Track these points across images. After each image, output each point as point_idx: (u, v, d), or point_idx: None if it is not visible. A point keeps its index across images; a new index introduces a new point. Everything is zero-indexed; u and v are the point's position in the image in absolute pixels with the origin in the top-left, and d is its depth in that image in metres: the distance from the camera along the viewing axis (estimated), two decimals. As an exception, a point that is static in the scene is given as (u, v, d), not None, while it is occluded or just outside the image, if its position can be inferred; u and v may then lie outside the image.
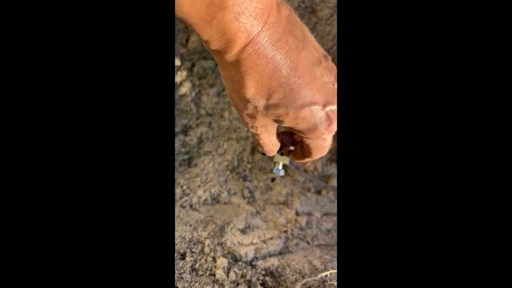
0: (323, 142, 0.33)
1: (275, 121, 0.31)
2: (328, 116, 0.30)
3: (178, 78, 0.50)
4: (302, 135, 0.32)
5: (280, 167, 0.43)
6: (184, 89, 0.50)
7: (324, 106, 0.29)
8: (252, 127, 0.32)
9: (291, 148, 0.42)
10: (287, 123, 0.30)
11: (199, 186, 0.46)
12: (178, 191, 0.45)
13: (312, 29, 0.45)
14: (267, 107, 0.29)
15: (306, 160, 0.39)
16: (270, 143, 0.35)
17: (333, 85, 0.30)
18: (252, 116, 0.30)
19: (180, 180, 0.46)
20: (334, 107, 0.30)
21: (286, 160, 0.42)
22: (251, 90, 0.27)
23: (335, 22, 0.43)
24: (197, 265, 0.37)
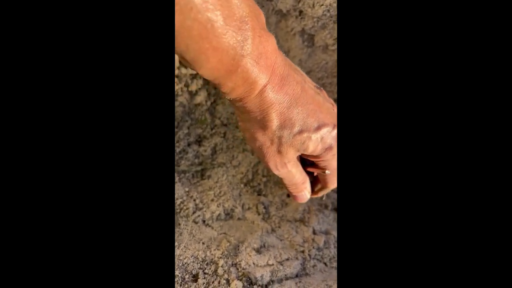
0: (336, 162, 0.37)
1: (299, 150, 0.34)
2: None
3: (194, 87, 0.48)
4: (320, 159, 0.35)
5: None
6: (200, 98, 0.48)
7: (334, 127, 0.34)
8: (281, 164, 0.35)
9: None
10: (311, 147, 0.33)
11: (212, 200, 0.44)
12: (191, 205, 0.43)
13: (336, 38, 0.43)
14: (294, 135, 0.33)
15: (321, 193, 0.42)
16: (301, 174, 0.38)
17: (334, 110, 0.35)
18: (279, 152, 0.34)
19: (193, 193, 0.44)
20: None
21: None
22: (275, 122, 0.32)
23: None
24: (210, 288, 0.35)
